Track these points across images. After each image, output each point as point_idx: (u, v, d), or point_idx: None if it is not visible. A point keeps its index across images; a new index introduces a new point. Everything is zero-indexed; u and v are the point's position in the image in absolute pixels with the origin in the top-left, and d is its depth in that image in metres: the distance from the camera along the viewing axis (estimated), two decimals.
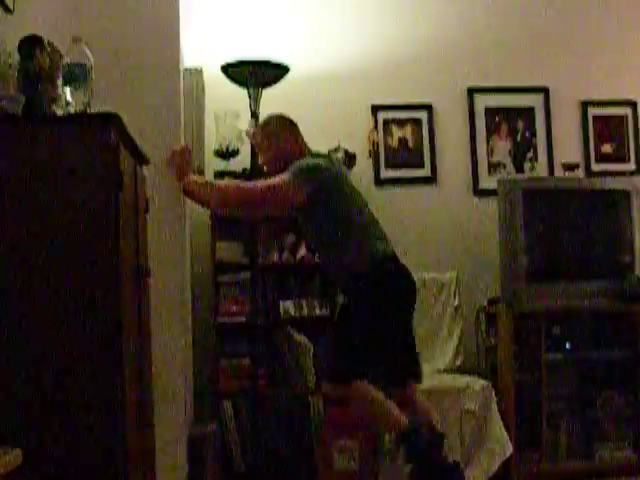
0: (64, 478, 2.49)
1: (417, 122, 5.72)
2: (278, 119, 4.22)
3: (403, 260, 4.00)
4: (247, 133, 5.07)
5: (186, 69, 4.80)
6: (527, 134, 5.80)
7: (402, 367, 4.01)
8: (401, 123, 5.72)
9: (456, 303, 5.33)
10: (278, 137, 4.12)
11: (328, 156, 4.18)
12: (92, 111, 2.74)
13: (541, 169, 5.73)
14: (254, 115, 5.03)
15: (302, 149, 4.12)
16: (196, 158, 4.51)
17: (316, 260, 4.97)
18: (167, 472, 3.75)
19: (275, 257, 5.24)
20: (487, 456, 4.74)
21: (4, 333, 2.48)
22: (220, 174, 5.15)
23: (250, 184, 4.05)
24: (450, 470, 3.78)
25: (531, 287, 5.04)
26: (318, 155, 4.11)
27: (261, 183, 3.95)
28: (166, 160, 3.85)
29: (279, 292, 5.21)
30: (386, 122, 5.69)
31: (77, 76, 2.72)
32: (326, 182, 3.92)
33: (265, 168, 4.19)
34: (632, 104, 5.93)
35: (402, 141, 5.71)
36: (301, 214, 4.01)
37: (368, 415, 4.10)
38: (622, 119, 5.91)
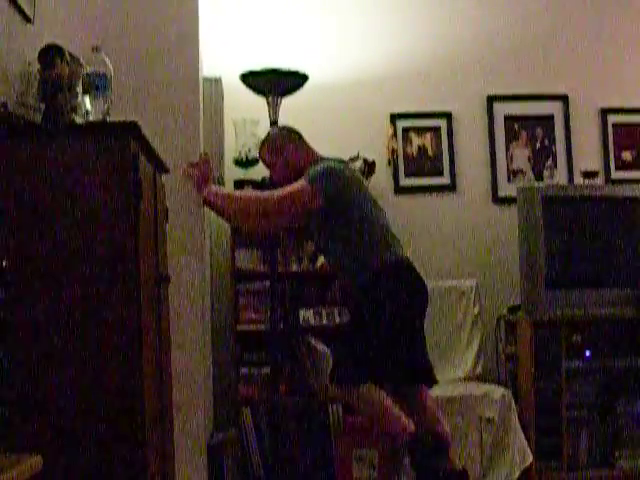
0: None
1: (436, 130, 5.71)
2: (279, 133, 4.25)
3: (422, 268, 4.01)
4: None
5: (205, 78, 4.82)
6: (546, 142, 5.78)
7: (411, 369, 3.97)
8: (420, 131, 5.71)
9: (476, 311, 5.30)
10: (282, 150, 4.14)
11: (342, 160, 4.18)
12: (111, 120, 2.76)
13: (560, 177, 5.70)
14: (274, 123, 5.03)
15: (309, 156, 4.14)
16: (215, 167, 4.53)
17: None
18: (187, 479, 3.77)
19: (295, 265, 5.24)
20: (507, 465, 4.71)
21: (23, 341, 2.49)
22: (239, 183, 5.16)
23: (267, 193, 4.06)
24: (456, 477, 3.78)
25: (551, 295, 5.01)
26: (331, 159, 4.11)
27: (278, 192, 3.96)
28: (184, 171, 3.87)
29: (298, 300, 5.21)
30: (405, 130, 5.68)
31: (97, 85, 2.74)
32: (342, 184, 3.93)
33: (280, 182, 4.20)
34: None
35: (421, 149, 5.70)
36: (316, 218, 4.01)
37: (373, 418, 4.08)
38: None
